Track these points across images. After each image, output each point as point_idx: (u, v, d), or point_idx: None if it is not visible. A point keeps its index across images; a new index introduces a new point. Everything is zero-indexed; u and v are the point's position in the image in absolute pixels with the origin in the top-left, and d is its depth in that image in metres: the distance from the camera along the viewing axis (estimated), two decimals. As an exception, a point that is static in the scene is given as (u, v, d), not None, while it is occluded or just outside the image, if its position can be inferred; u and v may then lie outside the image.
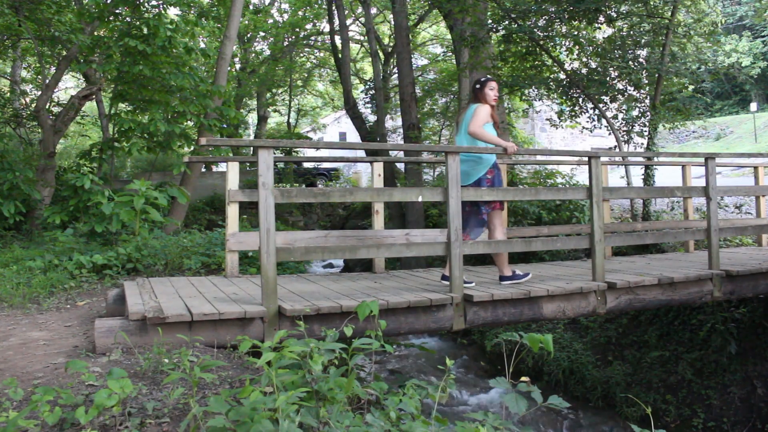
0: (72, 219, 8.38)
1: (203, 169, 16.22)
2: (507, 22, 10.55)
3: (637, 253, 8.04)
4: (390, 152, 15.49)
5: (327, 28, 20.56)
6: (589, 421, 6.73)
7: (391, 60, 19.59)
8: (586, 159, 5.02)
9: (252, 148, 18.57)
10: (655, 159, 9.87)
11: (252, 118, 29.61)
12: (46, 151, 10.31)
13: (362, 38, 22.63)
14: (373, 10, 19.93)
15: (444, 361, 2.69)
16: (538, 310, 4.66)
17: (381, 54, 19.52)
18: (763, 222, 7.66)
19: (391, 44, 20.08)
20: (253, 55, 23.61)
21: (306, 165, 22.39)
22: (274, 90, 25.37)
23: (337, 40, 18.01)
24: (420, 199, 4.80)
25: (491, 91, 4.99)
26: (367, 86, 20.02)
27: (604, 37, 10.64)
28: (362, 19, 20.48)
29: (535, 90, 11.26)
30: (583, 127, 10.75)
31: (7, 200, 8.48)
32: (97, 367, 3.16)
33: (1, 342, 3.94)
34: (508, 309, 4.54)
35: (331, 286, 4.88)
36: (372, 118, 18.33)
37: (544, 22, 10.16)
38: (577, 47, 10.20)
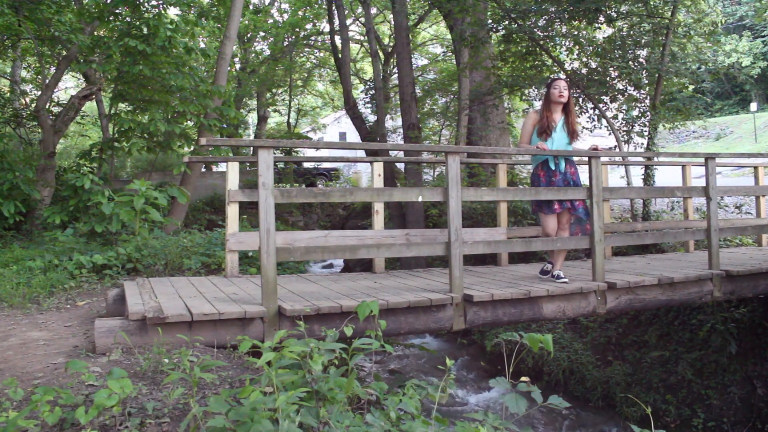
0: (72, 219, 8.38)
1: (203, 169, 16.23)
2: (507, 22, 10.55)
3: (637, 253, 8.04)
4: (390, 152, 15.48)
5: (327, 28, 20.55)
6: (589, 421, 6.73)
7: (391, 60, 19.58)
8: (586, 159, 5.03)
9: (252, 148, 18.57)
10: (655, 159, 9.87)
11: (252, 118, 29.60)
12: (46, 151, 10.30)
13: (362, 38, 22.62)
14: (373, 10, 19.92)
15: (444, 361, 2.69)
16: (538, 310, 4.66)
17: (381, 54, 19.51)
18: (763, 222, 7.66)
19: (391, 44, 20.08)
20: (253, 55, 23.59)
21: (306, 165, 22.39)
22: (274, 90, 25.35)
23: (337, 40, 17.99)
24: (420, 199, 4.80)
25: (555, 90, 5.13)
26: (367, 86, 20.00)
27: (604, 37, 10.64)
28: (362, 19, 20.48)
29: (535, 90, 11.26)
30: (583, 127, 10.75)
31: (7, 200, 8.47)
32: (97, 367, 3.16)
33: (1, 342, 3.94)
34: (508, 309, 4.54)
35: (331, 286, 4.88)
36: (372, 118, 18.31)
37: (544, 22, 10.16)
38: (577, 47, 10.20)
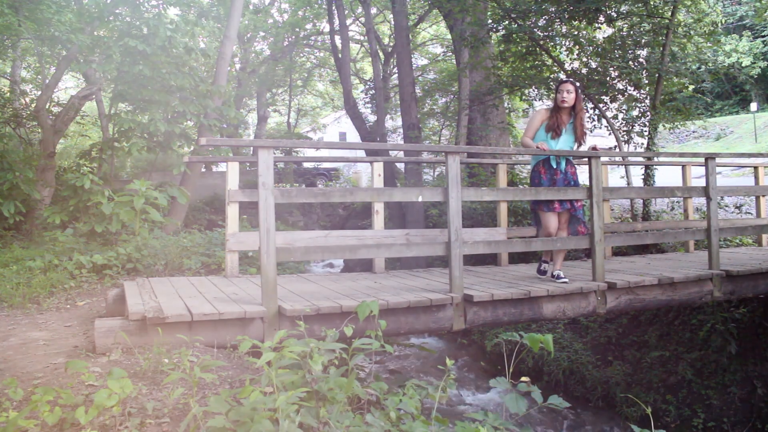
0: (72, 219, 8.36)
1: (203, 169, 16.20)
2: (507, 22, 10.55)
3: (637, 253, 8.04)
4: (390, 152, 15.48)
5: (327, 28, 20.55)
6: (589, 421, 6.73)
7: (391, 60, 19.58)
8: (586, 159, 5.03)
9: (252, 148, 18.58)
10: (655, 159, 9.86)
11: (252, 118, 29.60)
12: (46, 151, 10.29)
13: (362, 38, 22.63)
14: (373, 10, 19.92)
15: (444, 361, 2.69)
16: (538, 310, 4.66)
17: (381, 54, 19.51)
18: (763, 222, 7.66)
19: (391, 44, 20.08)
20: (253, 55, 23.60)
21: (306, 165, 22.40)
22: (274, 90, 25.37)
23: (337, 40, 18.00)
24: (420, 199, 4.80)
25: (558, 94, 5.18)
26: (367, 86, 20.01)
27: (604, 37, 10.65)
28: (362, 19, 20.48)
29: (535, 90, 11.27)
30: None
31: (7, 200, 8.46)
32: (97, 367, 3.16)
33: (1, 342, 3.94)
34: (508, 309, 4.54)
35: (331, 286, 4.88)
36: (372, 118, 18.31)
37: (544, 21, 10.16)
38: (577, 47, 10.20)
